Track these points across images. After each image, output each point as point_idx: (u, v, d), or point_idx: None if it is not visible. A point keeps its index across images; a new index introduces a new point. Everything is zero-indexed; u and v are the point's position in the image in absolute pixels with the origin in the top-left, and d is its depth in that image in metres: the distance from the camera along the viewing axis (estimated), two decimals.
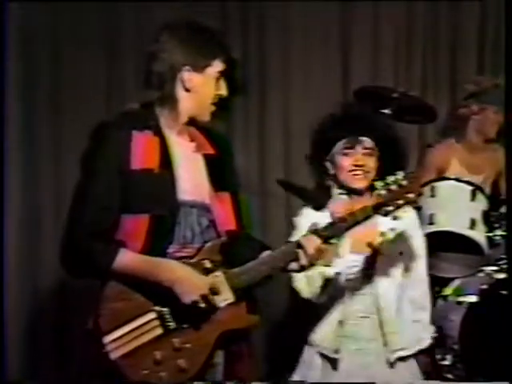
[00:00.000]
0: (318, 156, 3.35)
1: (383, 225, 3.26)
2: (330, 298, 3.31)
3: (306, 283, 3.29)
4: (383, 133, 3.31)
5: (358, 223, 2.94)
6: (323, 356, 3.33)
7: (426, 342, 3.39)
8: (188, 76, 2.84)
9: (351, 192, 3.31)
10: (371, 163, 3.28)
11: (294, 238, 3.27)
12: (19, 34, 4.82)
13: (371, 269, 3.29)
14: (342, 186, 3.33)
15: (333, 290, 3.29)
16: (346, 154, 3.29)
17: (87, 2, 4.90)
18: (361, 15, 5.32)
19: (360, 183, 3.28)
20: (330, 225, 2.92)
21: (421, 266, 3.41)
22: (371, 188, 3.21)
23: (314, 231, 2.88)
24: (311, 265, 2.87)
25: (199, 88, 2.86)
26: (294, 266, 2.87)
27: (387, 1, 5.32)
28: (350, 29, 5.34)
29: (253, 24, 5.26)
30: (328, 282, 3.27)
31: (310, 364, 3.36)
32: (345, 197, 3.32)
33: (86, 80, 4.99)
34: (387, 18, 5.35)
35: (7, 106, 4.55)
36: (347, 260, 3.27)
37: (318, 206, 3.34)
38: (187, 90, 2.86)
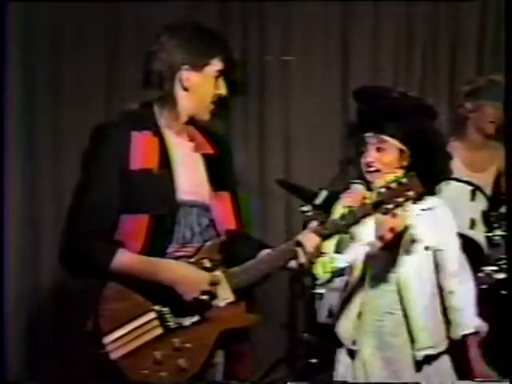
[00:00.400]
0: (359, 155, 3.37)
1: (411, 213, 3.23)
2: (349, 289, 3.31)
3: (321, 268, 3.29)
4: (393, 124, 3.29)
5: (357, 221, 2.94)
6: (347, 349, 3.32)
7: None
8: (187, 75, 2.84)
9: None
10: (385, 159, 3.27)
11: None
12: (19, 33, 4.82)
13: (393, 254, 3.26)
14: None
15: (346, 277, 3.30)
16: (362, 152, 3.31)
17: (87, 2, 4.91)
18: (361, 15, 5.33)
19: (378, 182, 3.24)
20: (330, 223, 2.93)
21: (452, 255, 3.38)
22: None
23: (314, 229, 2.88)
24: (310, 263, 2.87)
25: (198, 87, 2.86)
26: (293, 264, 2.86)
27: (387, 1, 5.33)
28: (350, 29, 5.35)
29: (253, 24, 5.27)
30: (337, 270, 3.28)
31: (339, 358, 3.34)
32: (361, 186, 3.32)
33: (86, 80, 5.00)
34: (387, 18, 5.36)
35: (7, 105, 4.55)
36: (363, 249, 3.27)
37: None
38: (186, 90, 2.86)
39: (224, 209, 2.90)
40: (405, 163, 3.27)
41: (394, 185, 2.91)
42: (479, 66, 5.36)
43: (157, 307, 2.73)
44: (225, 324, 2.78)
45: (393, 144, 3.26)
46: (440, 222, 3.33)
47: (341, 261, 3.28)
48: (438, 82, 5.40)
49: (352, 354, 3.29)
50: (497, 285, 4.21)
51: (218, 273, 2.80)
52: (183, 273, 2.74)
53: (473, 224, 4.26)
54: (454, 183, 4.37)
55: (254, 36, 5.27)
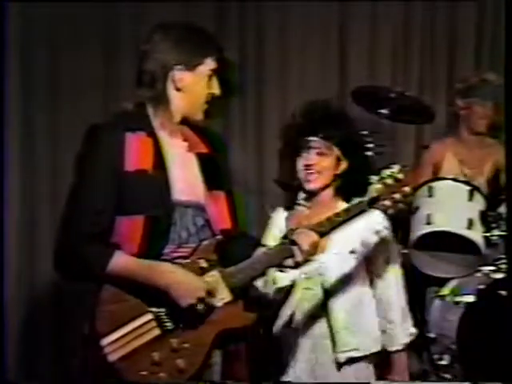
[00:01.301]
0: (287, 156, 3.35)
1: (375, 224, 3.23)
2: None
3: (263, 285, 3.27)
4: (341, 133, 3.29)
5: (352, 218, 2.93)
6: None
7: (401, 340, 3.29)
8: (179, 75, 2.84)
9: (309, 194, 3.30)
10: (324, 163, 3.27)
11: (266, 235, 3.32)
12: (17, 33, 4.81)
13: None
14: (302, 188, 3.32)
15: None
16: (299, 155, 3.30)
17: (85, 2, 4.91)
18: (358, 15, 5.33)
19: (312, 184, 3.26)
20: (325, 220, 2.92)
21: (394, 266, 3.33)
22: (339, 192, 3.25)
23: (309, 227, 2.87)
24: (306, 260, 2.86)
25: (191, 87, 2.86)
26: (289, 262, 2.86)
27: (385, 0, 5.33)
28: (348, 29, 5.35)
29: (251, 24, 5.26)
30: (281, 290, 3.27)
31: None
32: (303, 208, 3.31)
33: (84, 79, 4.99)
34: (385, 17, 5.35)
35: (7, 105, 4.55)
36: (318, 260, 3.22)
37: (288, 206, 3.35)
38: (179, 90, 2.85)
39: (219, 208, 2.90)
40: (338, 172, 3.28)
41: (390, 181, 2.90)
42: (477, 65, 5.36)
43: (154, 308, 2.73)
44: (222, 324, 2.78)
45: (334, 151, 3.27)
46: (364, 225, 3.24)
47: (284, 280, 3.25)
48: (435, 82, 5.40)
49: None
50: (494, 285, 4.21)
51: (215, 273, 2.79)
52: (179, 278, 2.73)
53: (470, 224, 4.26)
54: (451, 183, 4.39)
55: (252, 36, 5.26)
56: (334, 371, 3.21)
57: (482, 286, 4.23)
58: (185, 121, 2.90)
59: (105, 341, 2.67)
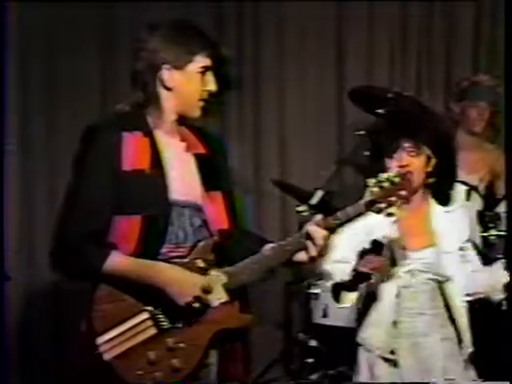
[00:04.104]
0: (376, 157, 3.43)
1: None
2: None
3: (343, 300, 3.36)
4: (431, 133, 3.35)
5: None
6: (382, 357, 3.35)
7: None
8: (168, 75, 2.83)
9: None
10: (416, 163, 3.31)
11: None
12: (15, 32, 4.82)
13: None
14: None
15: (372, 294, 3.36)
16: (391, 157, 3.34)
17: (84, 2, 4.91)
18: (355, 15, 5.34)
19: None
20: (341, 213, 2.85)
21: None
22: (431, 189, 3.37)
23: (322, 221, 2.81)
24: (320, 255, 2.80)
25: (182, 86, 2.84)
26: (302, 257, 2.80)
27: (382, 1, 5.34)
28: (345, 29, 5.36)
29: (248, 23, 5.28)
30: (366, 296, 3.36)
31: (372, 367, 3.36)
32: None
33: (82, 79, 5.00)
34: (382, 17, 5.36)
35: (6, 105, 4.56)
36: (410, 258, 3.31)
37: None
38: (169, 89, 2.84)
39: (216, 209, 2.89)
40: (429, 169, 3.36)
41: (386, 184, 2.90)
42: (474, 66, 5.37)
43: (150, 308, 2.73)
44: (219, 324, 2.77)
45: (424, 150, 3.33)
46: (457, 223, 3.38)
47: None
48: (433, 83, 5.41)
49: (388, 361, 3.33)
50: None
51: (213, 273, 2.78)
52: (175, 276, 2.73)
53: None
54: None
55: (250, 35, 5.27)
56: (439, 366, 3.31)
57: None
58: (182, 119, 2.90)
59: (100, 339, 2.68)
